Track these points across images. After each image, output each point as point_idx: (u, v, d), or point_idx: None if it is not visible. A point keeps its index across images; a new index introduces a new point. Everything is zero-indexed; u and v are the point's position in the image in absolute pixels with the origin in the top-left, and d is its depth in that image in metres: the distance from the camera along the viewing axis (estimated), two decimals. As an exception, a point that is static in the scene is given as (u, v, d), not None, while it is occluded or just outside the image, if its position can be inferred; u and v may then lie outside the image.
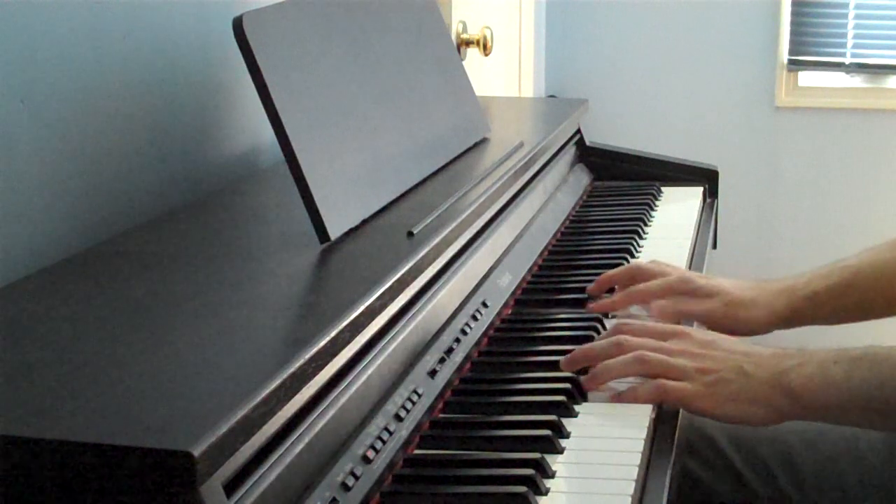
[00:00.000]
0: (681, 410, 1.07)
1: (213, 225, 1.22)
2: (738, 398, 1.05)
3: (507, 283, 1.32)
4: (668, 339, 1.11)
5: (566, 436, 0.99)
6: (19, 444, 0.68)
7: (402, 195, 1.25)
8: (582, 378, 1.09)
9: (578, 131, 1.93)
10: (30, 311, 0.93)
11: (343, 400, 0.88)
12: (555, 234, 1.60)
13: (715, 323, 1.27)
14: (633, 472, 0.92)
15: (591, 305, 1.31)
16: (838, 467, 1.24)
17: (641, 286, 1.31)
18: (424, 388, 1.02)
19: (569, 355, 1.12)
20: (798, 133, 3.40)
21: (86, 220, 1.17)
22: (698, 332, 1.14)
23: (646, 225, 1.68)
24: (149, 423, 0.70)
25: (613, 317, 1.30)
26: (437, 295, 1.12)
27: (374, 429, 0.91)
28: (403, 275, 1.00)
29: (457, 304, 1.17)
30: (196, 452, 0.65)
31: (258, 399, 0.73)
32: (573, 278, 1.41)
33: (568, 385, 1.08)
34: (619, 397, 1.07)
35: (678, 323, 1.24)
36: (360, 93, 1.26)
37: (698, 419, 1.24)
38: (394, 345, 0.99)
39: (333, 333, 0.85)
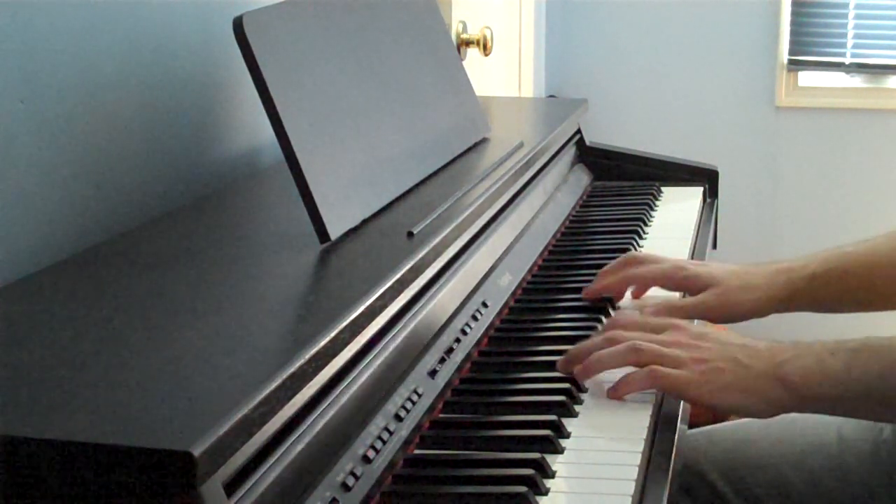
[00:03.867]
0: (679, 413, 1.07)
1: (213, 225, 1.22)
2: (733, 388, 1.04)
3: (507, 283, 1.32)
4: (662, 332, 1.11)
5: (566, 436, 0.99)
6: (19, 444, 0.68)
7: (402, 195, 1.25)
8: (575, 369, 1.09)
9: (578, 131, 1.93)
10: (30, 311, 0.93)
11: (343, 400, 0.87)
12: (555, 234, 1.60)
13: (711, 312, 1.26)
14: (633, 473, 0.92)
15: (584, 292, 1.32)
16: (826, 485, 1.25)
17: (634, 270, 1.31)
18: (424, 388, 1.02)
19: (564, 356, 1.12)
20: (798, 133, 3.40)
21: (86, 220, 1.17)
22: (692, 325, 1.14)
23: (646, 225, 1.68)
24: (149, 423, 0.70)
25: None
26: (437, 295, 1.12)
27: (374, 429, 0.91)
28: (403, 275, 1.00)
29: (457, 304, 1.17)
30: (196, 452, 0.65)
31: (258, 399, 0.73)
32: (573, 278, 1.41)
33: (568, 385, 1.08)
34: (614, 390, 1.06)
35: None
36: (360, 93, 1.26)
37: (690, 457, 1.24)
38: (394, 345, 0.99)
39: (333, 333, 0.85)
